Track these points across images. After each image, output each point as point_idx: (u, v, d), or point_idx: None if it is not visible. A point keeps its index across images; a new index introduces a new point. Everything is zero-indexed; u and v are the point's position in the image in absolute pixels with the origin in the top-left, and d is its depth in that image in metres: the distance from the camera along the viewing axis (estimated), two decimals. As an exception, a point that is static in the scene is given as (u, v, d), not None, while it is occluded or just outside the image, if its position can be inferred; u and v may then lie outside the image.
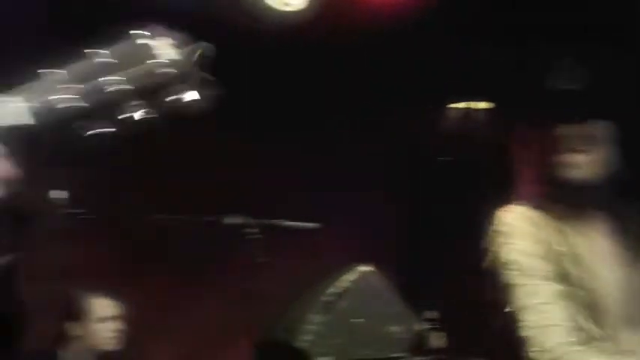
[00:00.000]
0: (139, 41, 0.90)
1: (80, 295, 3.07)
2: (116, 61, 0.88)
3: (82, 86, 0.87)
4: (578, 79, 1.83)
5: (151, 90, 0.89)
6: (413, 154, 4.31)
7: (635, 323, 1.78)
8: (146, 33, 0.90)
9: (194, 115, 0.93)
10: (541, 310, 1.73)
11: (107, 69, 0.88)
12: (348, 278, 3.01)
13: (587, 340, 1.72)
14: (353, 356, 2.98)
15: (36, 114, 0.87)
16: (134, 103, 0.88)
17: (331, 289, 2.97)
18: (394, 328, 3.07)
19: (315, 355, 2.91)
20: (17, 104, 0.86)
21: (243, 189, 3.60)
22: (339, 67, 3.85)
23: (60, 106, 0.86)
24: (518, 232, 1.80)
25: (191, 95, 0.90)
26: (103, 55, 0.88)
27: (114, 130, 0.88)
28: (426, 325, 3.24)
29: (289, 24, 3.54)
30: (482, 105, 4.45)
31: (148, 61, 0.89)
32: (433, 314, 3.26)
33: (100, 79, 0.87)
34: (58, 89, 0.87)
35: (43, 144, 0.88)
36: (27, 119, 0.86)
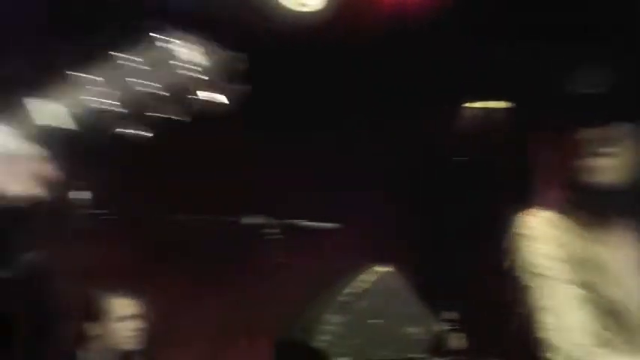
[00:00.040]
0: (168, 46, 0.91)
1: (99, 294, 3.08)
2: (146, 65, 0.90)
3: (115, 89, 0.89)
4: (599, 81, 1.81)
5: (179, 94, 0.90)
6: (430, 154, 4.30)
7: None
8: (175, 39, 0.92)
9: (217, 117, 0.93)
10: (560, 312, 1.72)
11: (138, 73, 0.90)
12: (366, 278, 3.00)
13: (605, 343, 1.71)
14: (371, 357, 2.97)
15: (73, 116, 0.88)
16: (163, 106, 0.89)
17: (349, 290, 2.97)
18: (413, 329, 3.06)
19: (333, 356, 2.91)
20: (55, 107, 0.88)
21: (262, 189, 3.61)
22: (355, 68, 3.85)
23: (94, 108, 0.88)
24: (541, 236, 1.79)
25: (217, 100, 0.91)
26: (133, 60, 0.90)
27: (145, 132, 0.89)
28: (445, 326, 3.22)
29: (306, 25, 3.55)
30: (499, 105, 4.43)
31: (176, 66, 0.90)
32: (452, 315, 3.24)
33: (131, 83, 0.89)
34: (93, 92, 0.88)
35: (80, 146, 0.89)
36: (64, 122, 0.88)
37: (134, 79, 0.90)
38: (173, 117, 0.91)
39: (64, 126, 0.89)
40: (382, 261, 3.06)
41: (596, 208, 1.79)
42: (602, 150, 1.76)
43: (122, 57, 0.91)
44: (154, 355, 3.23)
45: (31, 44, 3.23)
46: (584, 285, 1.74)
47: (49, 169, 0.91)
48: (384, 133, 4.13)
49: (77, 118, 0.89)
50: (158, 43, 0.91)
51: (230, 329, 3.77)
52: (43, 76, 0.94)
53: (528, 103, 3.98)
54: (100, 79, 0.89)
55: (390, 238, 3.95)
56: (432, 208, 4.28)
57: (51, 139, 0.89)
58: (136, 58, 0.90)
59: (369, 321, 2.96)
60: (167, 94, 0.90)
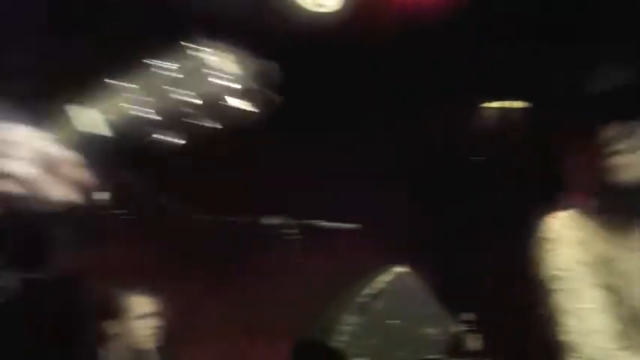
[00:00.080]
0: (201, 55, 0.92)
1: (118, 293, 3.11)
2: (180, 74, 0.91)
3: (150, 97, 0.90)
4: (618, 78, 1.79)
5: (212, 102, 0.90)
6: (447, 154, 4.29)
7: None
8: (208, 47, 0.92)
9: (248, 124, 0.94)
10: (583, 315, 1.70)
11: (172, 81, 0.91)
12: (383, 279, 2.99)
13: (629, 347, 1.69)
14: (388, 358, 2.96)
15: (109, 123, 0.90)
16: (196, 114, 0.90)
17: (367, 290, 2.96)
18: (430, 330, 3.04)
19: (350, 356, 2.90)
20: (93, 114, 0.90)
21: (279, 189, 3.62)
22: (372, 68, 3.84)
23: (130, 116, 0.90)
24: (566, 239, 1.77)
25: (250, 108, 0.92)
26: (168, 68, 0.91)
27: (179, 140, 0.91)
28: (463, 327, 3.21)
29: (322, 25, 3.55)
30: (516, 105, 4.40)
31: (209, 75, 0.91)
32: (470, 316, 3.22)
33: (166, 91, 0.90)
34: (129, 100, 0.90)
35: (116, 153, 0.91)
36: (101, 128, 0.90)
37: (169, 88, 0.91)
38: (206, 124, 0.91)
39: (100, 132, 0.90)
40: (399, 261, 3.06)
41: (623, 206, 1.76)
42: (624, 147, 1.74)
43: (157, 65, 0.92)
44: (172, 352, 3.24)
45: (66, 51, 3.28)
46: (607, 288, 1.73)
47: (86, 175, 0.92)
48: (400, 133, 4.13)
49: (114, 125, 0.90)
50: (192, 52, 0.92)
51: (248, 328, 3.79)
52: (81, 84, 0.96)
53: (547, 103, 3.96)
54: (136, 87, 0.91)
55: (407, 238, 3.95)
56: (450, 208, 4.27)
57: (88, 146, 0.91)
58: (170, 67, 0.91)
59: (386, 322, 2.95)
60: (200, 103, 0.90)
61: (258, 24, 3.33)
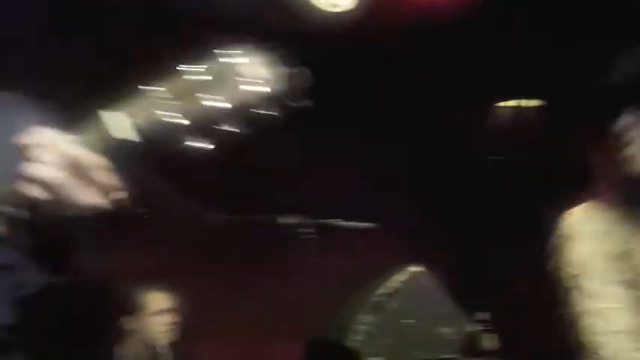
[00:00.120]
0: (232, 60, 0.91)
1: (135, 289, 3.14)
2: (210, 78, 0.90)
3: (180, 103, 0.90)
4: (629, 72, 1.78)
5: (242, 109, 0.90)
6: (464, 153, 4.27)
7: None
8: (239, 53, 0.91)
9: (274, 128, 0.93)
10: (606, 314, 1.67)
11: (202, 86, 0.90)
12: (399, 278, 3.00)
13: None
14: (403, 357, 2.97)
15: (139, 130, 0.90)
16: (225, 120, 0.90)
17: (382, 290, 2.97)
18: (445, 329, 3.05)
19: (365, 355, 2.91)
20: (122, 119, 0.90)
21: (297, 189, 3.63)
22: (387, 67, 3.84)
23: (161, 122, 0.89)
24: (585, 233, 1.74)
25: (278, 114, 0.91)
26: (197, 73, 0.90)
27: (207, 145, 0.90)
28: (478, 327, 3.20)
29: (337, 25, 3.55)
30: (532, 103, 4.38)
31: (240, 81, 0.90)
32: (485, 315, 3.22)
33: (196, 97, 0.89)
34: (159, 105, 0.90)
35: (145, 159, 0.91)
36: (131, 135, 0.90)
37: (198, 93, 0.90)
38: (236, 130, 0.91)
39: (129, 137, 0.90)
40: (415, 261, 3.06)
41: None
42: (636, 137, 1.71)
43: (187, 70, 0.91)
44: (186, 349, 3.27)
45: (97, 55, 3.31)
46: (628, 283, 1.69)
47: (113, 180, 0.92)
48: (415, 133, 4.12)
49: (142, 130, 0.90)
50: (221, 56, 0.91)
51: (263, 327, 3.80)
52: (111, 88, 0.95)
53: (562, 100, 3.93)
54: (166, 91, 0.90)
55: (422, 238, 3.94)
56: (466, 207, 4.25)
57: (116, 150, 0.91)
58: (200, 71, 0.90)
59: (401, 321, 2.96)
60: (229, 108, 0.90)
61: (272, 24, 3.34)
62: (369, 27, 3.56)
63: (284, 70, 0.91)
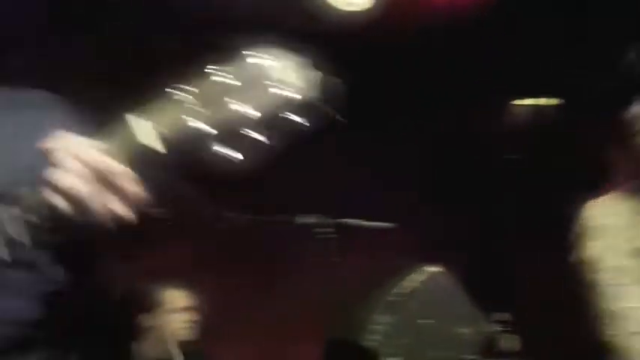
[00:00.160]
0: (261, 62, 0.87)
1: (155, 287, 3.14)
2: (239, 82, 0.87)
3: (207, 109, 0.87)
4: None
5: (271, 115, 0.86)
6: (481, 152, 4.25)
7: None
8: (269, 56, 0.87)
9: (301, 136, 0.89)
10: (630, 315, 1.63)
11: (230, 91, 0.87)
12: (417, 278, 2.98)
13: None
14: (421, 357, 2.95)
15: (165, 136, 0.87)
16: (254, 127, 0.86)
17: (400, 290, 2.96)
18: (464, 330, 3.02)
19: (383, 356, 2.90)
20: (148, 125, 0.88)
21: (316, 188, 3.62)
22: (403, 66, 3.82)
23: (186, 129, 0.86)
24: (607, 228, 1.69)
25: (308, 124, 0.87)
26: (225, 76, 0.87)
27: (237, 154, 0.87)
28: (497, 327, 3.17)
29: (353, 24, 3.54)
30: (549, 102, 4.35)
31: (270, 86, 0.86)
32: (504, 316, 3.19)
33: (223, 102, 0.86)
34: (184, 111, 0.87)
35: (168, 166, 0.89)
36: (156, 141, 0.87)
37: (227, 98, 0.86)
38: (264, 139, 0.87)
39: (155, 144, 0.87)
40: (433, 261, 3.04)
41: None
42: None
43: (216, 74, 0.87)
44: (207, 347, 3.27)
45: (125, 58, 3.32)
46: None
47: (139, 189, 0.90)
48: (433, 131, 4.10)
49: (169, 137, 0.87)
50: (252, 60, 0.87)
51: (282, 327, 3.80)
52: (138, 93, 0.93)
53: (579, 95, 3.90)
54: (194, 97, 0.87)
55: (440, 237, 3.92)
56: (483, 207, 4.23)
57: (142, 157, 0.88)
58: (229, 75, 0.87)
59: (419, 321, 2.94)
60: (259, 115, 0.86)
61: (289, 24, 3.33)
62: (386, 25, 3.55)
63: (316, 77, 0.87)
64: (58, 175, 0.88)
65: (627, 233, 1.68)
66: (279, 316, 3.80)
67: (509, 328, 3.20)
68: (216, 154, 0.87)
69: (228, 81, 0.86)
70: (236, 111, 0.86)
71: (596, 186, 1.84)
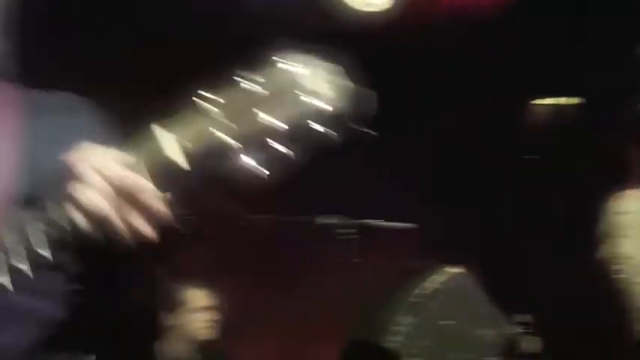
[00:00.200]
0: (291, 70, 0.82)
1: (175, 286, 3.16)
2: (267, 91, 0.82)
3: (234, 120, 0.83)
4: None
5: (299, 128, 0.82)
6: (502, 153, 4.22)
7: None
8: (297, 61, 0.83)
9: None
10: None
11: (258, 101, 0.82)
12: (438, 279, 2.97)
13: None
14: (442, 359, 2.94)
15: (188, 150, 0.84)
16: (282, 139, 0.82)
17: (421, 291, 2.95)
18: (485, 331, 3.01)
19: (404, 357, 2.89)
20: (171, 138, 0.84)
21: (337, 189, 3.61)
22: (422, 67, 3.81)
23: (212, 141, 0.83)
24: (634, 225, 1.69)
25: (337, 137, 0.82)
26: (254, 85, 0.83)
27: (262, 168, 0.83)
28: (518, 329, 3.15)
29: (372, 24, 3.54)
30: (569, 101, 4.31)
31: (299, 95, 0.82)
32: (525, 318, 3.16)
33: (251, 113, 0.82)
34: (211, 122, 0.83)
35: (193, 181, 0.86)
36: (181, 154, 0.84)
37: (256, 109, 0.82)
38: (290, 153, 0.83)
39: (181, 157, 0.84)
40: (454, 262, 3.02)
41: None
42: None
43: (245, 83, 0.83)
44: (227, 346, 3.28)
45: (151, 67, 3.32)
46: None
47: (163, 206, 0.87)
48: (453, 132, 4.08)
49: (195, 151, 0.84)
50: (281, 67, 0.83)
51: (302, 327, 3.80)
52: (164, 103, 0.90)
53: (600, 96, 3.87)
54: (221, 107, 0.83)
55: (461, 238, 3.90)
56: (503, 207, 4.20)
57: (167, 170, 0.85)
58: (259, 85, 0.82)
59: (440, 322, 2.93)
60: (288, 127, 0.82)
61: (307, 25, 3.33)
62: (404, 26, 3.54)
63: (348, 87, 0.83)
64: (80, 191, 0.86)
65: None
66: (299, 316, 3.81)
67: (530, 330, 3.17)
68: (242, 168, 0.83)
69: (256, 90, 0.82)
70: (264, 122, 0.82)
71: (617, 185, 1.82)
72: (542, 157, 4.18)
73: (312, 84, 0.82)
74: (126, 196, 0.85)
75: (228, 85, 0.84)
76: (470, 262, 3.06)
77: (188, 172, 0.84)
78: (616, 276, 1.68)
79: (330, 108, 0.82)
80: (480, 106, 3.97)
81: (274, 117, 0.81)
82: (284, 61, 0.83)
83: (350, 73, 0.85)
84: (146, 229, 0.87)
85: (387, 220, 2.89)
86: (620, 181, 1.82)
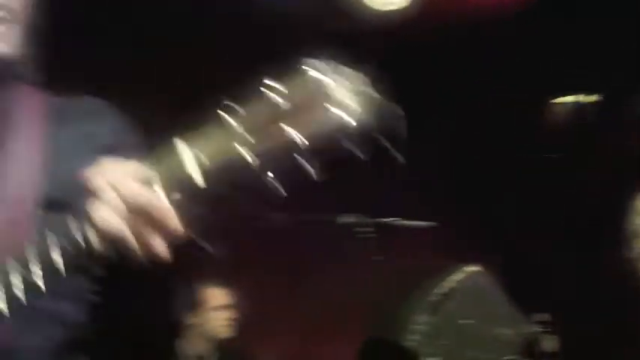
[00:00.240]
0: (318, 80, 0.79)
1: (195, 285, 3.20)
2: (292, 103, 0.79)
3: (257, 135, 0.80)
4: None
5: (323, 142, 0.79)
6: (521, 151, 4.20)
7: None
8: (324, 71, 0.80)
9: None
10: None
11: (283, 114, 0.79)
12: (456, 278, 2.97)
13: None
14: (460, 358, 2.94)
15: (208, 167, 0.82)
16: (305, 154, 0.80)
17: (439, 290, 2.94)
18: (503, 330, 3.00)
19: (423, 356, 2.89)
20: (192, 154, 0.83)
21: (356, 188, 3.62)
22: (441, 65, 3.80)
23: (234, 157, 0.81)
24: None
25: (361, 155, 0.79)
26: (278, 94, 0.80)
27: (281, 188, 0.82)
28: (537, 328, 3.14)
29: (391, 23, 3.54)
30: (589, 99, 4.27)
31: (325, 107, 0.78)
32: (544, 316, 3.15)
33: (275, 127, 0.79)
34: (233, 137, 0.81)
35: (211, 201, 0.85)
36: (199, 172, 0.82)
37: (280, 123, 0.79)
38: (314, 169, 0.80)
39: (200, 174, 0.82)
40: (472, 260, 3.02)
41: None
42: None
43: (271, 93, 0.80)
44: (246, 344, 3.31)
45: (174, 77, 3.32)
46: None
47: (178, 225, 0.86)
48: (473, 130, 4.07)
49: (215, 168, 0.82)
50: (309, 78, 0.79)
51: (320, 325, 3.82)
52: (187, 116, 0.88)
53: (620, 94, 3.83)
54: (246, 122, 0.81)
55: (479, 237, 3.89)
56: (522, 206, 4.18)
57: (185, 185, 0.83)
58: (285, 96, 0.79)
59: (458, 321, 2.93)
60: (312, 142, 0.79)
61: (322, 23, 3.34)
62: (423, 24, 3.53)
63: (376, 101, 0.80)
64: (95, 208, 0.86)
65: None
66: (318, 314, 3.83)
67: (549, 329, 3.16)
68: (263, 184, 0.81)
69: (281, 101, 0.79)
70: (287, 136, 0.79)
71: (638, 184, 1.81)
72: (564, 156, 4.15)
73: (338, 96, 0.79)
74: (141, 215, 0.85)
75: (254, 96, 0.81)
76: (488, 261, 3.05)
77: (208, 189, 0.82)
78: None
79: (355, 122, 0.79)
80: (498, 104, 3.95)
81: (299, 130, 0.79)
82: (310, 69, 0.80)
83: (375, 82, 0.82)
84: (160, 248, 0.87)
85: (405, 219, 2.89)
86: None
